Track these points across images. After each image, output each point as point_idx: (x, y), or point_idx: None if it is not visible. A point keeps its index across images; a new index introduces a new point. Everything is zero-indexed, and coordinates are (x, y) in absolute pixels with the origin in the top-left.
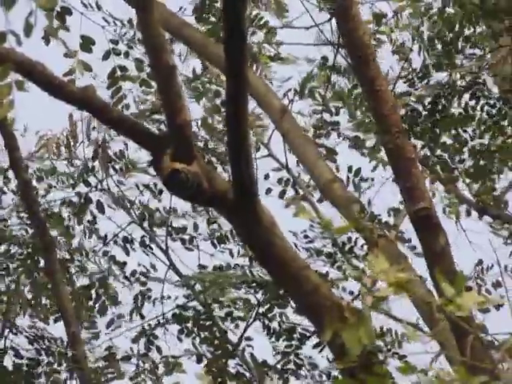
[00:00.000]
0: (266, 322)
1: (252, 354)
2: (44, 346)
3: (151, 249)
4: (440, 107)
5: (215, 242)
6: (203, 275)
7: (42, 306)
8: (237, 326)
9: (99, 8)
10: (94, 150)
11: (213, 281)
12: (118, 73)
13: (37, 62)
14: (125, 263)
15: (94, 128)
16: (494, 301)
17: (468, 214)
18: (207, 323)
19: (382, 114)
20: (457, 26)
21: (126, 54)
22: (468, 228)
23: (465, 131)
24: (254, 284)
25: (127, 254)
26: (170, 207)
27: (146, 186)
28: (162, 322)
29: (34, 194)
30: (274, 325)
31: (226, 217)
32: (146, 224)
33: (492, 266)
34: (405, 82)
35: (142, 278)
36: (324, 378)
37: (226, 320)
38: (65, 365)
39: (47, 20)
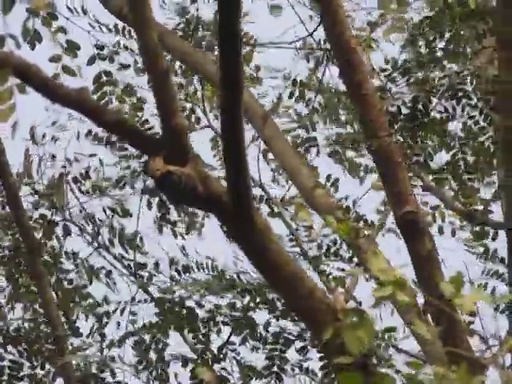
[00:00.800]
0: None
1: (236, 359)
2: (27, 348)
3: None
4: (421, 106)
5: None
6: (190, 282)
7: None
8: (219, 331)
9: (85, 13)
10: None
11: (200, 286)
12: (104, 78)
13: (32, 64)
14: (88, 294)
15: (53, 157)
16: (494, 300)
17: (453, 234)
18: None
19: (369, 118)
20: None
21: (112, 60)
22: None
23: (444, 132)
24: (242, 289)
25: (90, 282)
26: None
27: (112, 210)
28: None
29: (19, 197)
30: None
31: (220, 220)
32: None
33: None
34: (386, 77)
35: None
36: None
37: (209, 325)
38: (49, 368)
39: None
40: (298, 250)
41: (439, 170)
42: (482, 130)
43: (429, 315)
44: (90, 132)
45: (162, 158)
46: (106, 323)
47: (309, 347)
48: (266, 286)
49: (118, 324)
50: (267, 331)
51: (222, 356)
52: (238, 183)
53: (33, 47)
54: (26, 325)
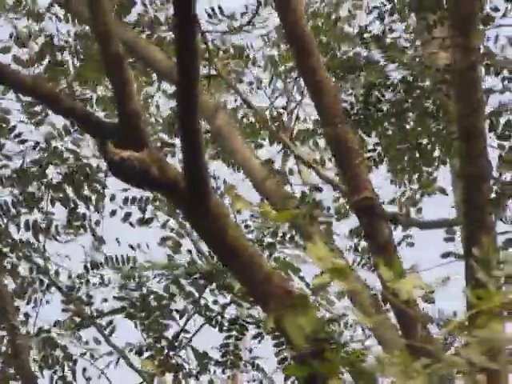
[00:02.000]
0: (208, 313)
1: (192, 346)
2: None
3: None
4: (373, 99)
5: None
6: (146, 266)
7: None
8: (173, 319)
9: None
10: None
11: (155, 269)
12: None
13: None
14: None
15: None
16: (432, 285)
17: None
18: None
19: (324, 104)
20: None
21: (63, 49)
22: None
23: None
24: (198, 275)
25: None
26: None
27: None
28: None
29: None
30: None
31: (177, 205)
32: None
33: None
34: (332, 72)
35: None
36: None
37: (164, 313)
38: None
39: None
40: (253, 236)
41: (395, 160)
42: (435, 120)
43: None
44: None
45: (116, 143)
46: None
47: (264, 334)
48: (223, 271)
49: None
50: (222, 317)
51: (177, 344)
52: (193, 168)
53: None
54: None
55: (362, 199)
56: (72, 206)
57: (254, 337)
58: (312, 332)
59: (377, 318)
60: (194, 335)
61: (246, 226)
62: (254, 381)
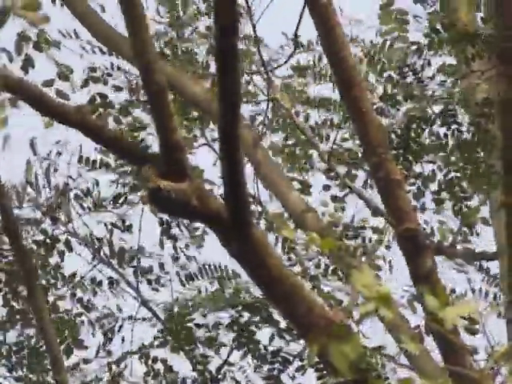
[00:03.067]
0: (251, 345)
1: (234, 379)
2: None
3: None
4: (412, 134)
5: (183, 279)
6: (188, 298)
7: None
8: (217, 351)
9: (77, 36)
10: (56, 193)
11: (199, 303)
12: (98, 100)
13: (27, 80)
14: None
15: (55, 170)
16: (480, 312)
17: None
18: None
19: (368, 135)
20: (425, 51)
21: (105, 82)
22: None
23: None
24: (240, 307)
25: (94, 294)
26: (138, 246)
27: (114, 225)
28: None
29: (14, 218)
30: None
31: (219, 236)
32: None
33: None
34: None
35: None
36: None
37: (208, 345)
38: None
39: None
40: (296, 268)
41: (437, 191)
42: (476, 154)
43: (429, 334)
44: (81, 157)
45: (156, 172)
46: (111, 339)
47: (307, 367)
48: (267, 303)
49: (123, 340)
50: (266, 350)
51: (220, 376)
52: (235, 198)
53: (26, 72)
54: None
55: (406, 229)
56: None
57: (297, 369)
58: (356, 360)
59: (420, 347)
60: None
61: (289, 259)
62: None
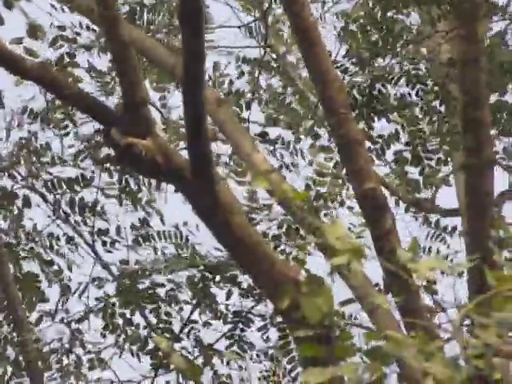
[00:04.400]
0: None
1: (197, 337)
2: None
3: (76, 246)
4: (376, 93)
5: (140, 239)
6: (150, 262)
7: None
8: (181, 309)
9: None
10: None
11: (159, 265)
12: (66, 59)
13: None
14: (51, 262)
15: (19, 126)
16: (450, 267)
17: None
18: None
19: (329, 95)
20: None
21: (74, 41)
22: None
23: (401, 117)
24: (202, 267)
25: (51, 249)
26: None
27: (73, 180)
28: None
29: None
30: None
31: (182, 193)
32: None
33: None
34: (337, 68)
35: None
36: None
37: (170, 303)
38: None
39: None
40: (258, 228)
41: (400, 151)
42: (438, 114)
43: (388, 292)
44: (25, 109)
45: (122, 129)
46: (67, 298)
47: (269, 326)
48: (229, 263)
49: (80, 297)
50: (227, 309)
51: (182, 335)
52: (199, 154)
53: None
54: None
55: (366, 190)
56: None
57: (259, 329)
58: (328, 313)
59: (384, 299)
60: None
61: (252, 219)
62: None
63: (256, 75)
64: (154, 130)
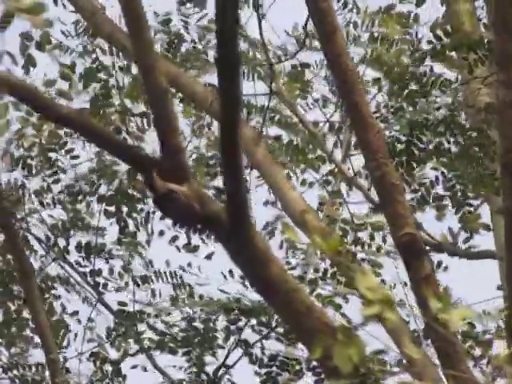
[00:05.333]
0: (248, 349)
1: (234, 382)
2: (18, 374)
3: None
4: (415, 141)
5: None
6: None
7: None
8: (214, 354)
9: (78, 35)
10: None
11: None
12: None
13: (30, 84)
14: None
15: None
16: (482, 316)
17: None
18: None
19: (368, 139)
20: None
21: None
22: None
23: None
24: (238, 311)
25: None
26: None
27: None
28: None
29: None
30: (256, 352)
31: (219, 239)
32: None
33: None
34: (377, 118)
35: None
36: None
37: (205, 348)
38: None
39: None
40: (294, 273)
41: (439, 197)
42: (478, 160)
43: (427, 339)
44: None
45: (160, 176)
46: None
47: (304, 370)
48: (263, 307)
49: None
50: (263, 353)
51: (217, 380)
52: (236, 201)
53: (27, 71)
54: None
55: (404, 235)
56: (123, 223)
57: (295, 373)
58: (359, 363)
59: (421, 351)
60: (231, 367)
61: (288, 263)
62: None
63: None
64: (191, 177)
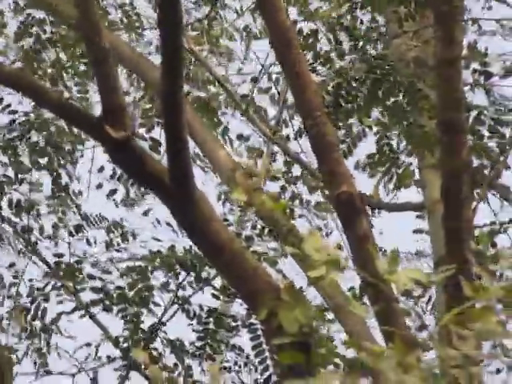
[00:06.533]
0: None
1: (170, 339)
2: None
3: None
4: (343, 92)
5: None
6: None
7: None
8: (150, 311)
9: None
10: None
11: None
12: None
13: None
14: None
15: None
16: (428, 277)
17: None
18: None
19: (304, 97)
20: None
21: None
22: None
23: (369, 117)
24: (177, 267)
25: None
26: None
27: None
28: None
29: None
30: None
31: (162, 200)
32: None
33: None
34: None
35: None
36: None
37: (142, 305)
38: None
39: None
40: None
41: (370, 154)
42: (405, 114)
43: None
44: None
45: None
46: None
47: (240, 327)
48: (202, 263)
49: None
50: (201, 309)
51: (154, 336)
52: (178, 161)
53: None
54: None
55: (341, 193)
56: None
57: (231, 329)
58: (305, 323)
59: (361, 308)
60: (165, 323)
61: (225, 220)
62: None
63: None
64: (134, 137)
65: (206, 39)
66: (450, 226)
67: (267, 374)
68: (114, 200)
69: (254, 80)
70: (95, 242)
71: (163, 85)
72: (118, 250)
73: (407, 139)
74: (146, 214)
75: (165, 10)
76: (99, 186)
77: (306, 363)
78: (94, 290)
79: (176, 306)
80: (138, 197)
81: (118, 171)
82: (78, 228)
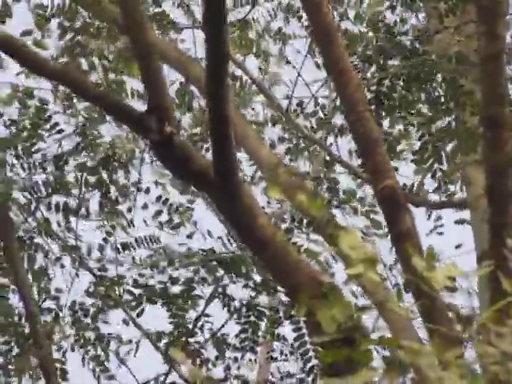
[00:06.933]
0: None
1: (212, 331)
2: None
3: None
4: (385, 90)
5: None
6: (165, 256)
7: None
8: (194, 304)
9: None
10: None
11: (174, 260)
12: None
13: (18, 38)
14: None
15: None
16: (467, 274)
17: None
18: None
19: (347, 93)
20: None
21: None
22: None
23: (411, 114)
24: (216, 263)
25: None
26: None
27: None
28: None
29: None
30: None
31: (207, 195)
32: None
33: None
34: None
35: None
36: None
37: (183, 298)
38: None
39: None
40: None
41: (417, 151)
42: (447, 112)
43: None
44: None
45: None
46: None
47: (283, 319)
48: (242, 259)
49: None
50: (242, 304)
51: (196, 329)
52: (223, 156)
53: (3, 22)
54: None
55: (384, 188)
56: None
57: (273, 321)
58: (344, 322)
59: (406, 308)
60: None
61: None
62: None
63: None
64: (179, 134)
65: (242, 42)
66: (494, 222)
67: (311, 364)
68: (159, 222)
69: (300, 105)
70: (140, 260)
71: (207, 77)
72: (161, 272)
73: (450, 135)
74: (190, 237)
75: (210, 9)
76: (145, 207)
77: (348, 360)
78: (136, 284)
79: (216, 301)
80: (182, 221)
81: (164, 196)
82: (125, 246)
